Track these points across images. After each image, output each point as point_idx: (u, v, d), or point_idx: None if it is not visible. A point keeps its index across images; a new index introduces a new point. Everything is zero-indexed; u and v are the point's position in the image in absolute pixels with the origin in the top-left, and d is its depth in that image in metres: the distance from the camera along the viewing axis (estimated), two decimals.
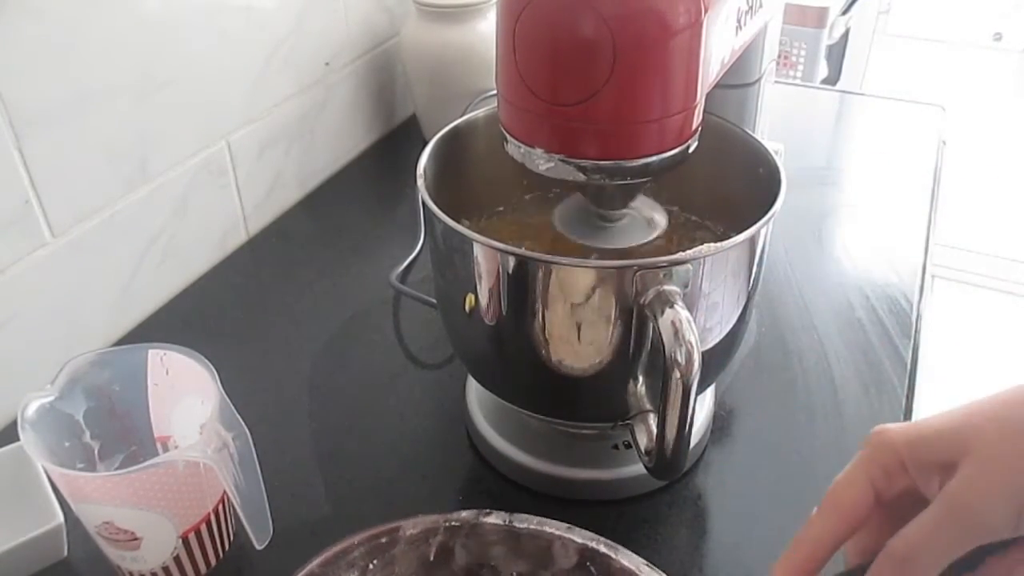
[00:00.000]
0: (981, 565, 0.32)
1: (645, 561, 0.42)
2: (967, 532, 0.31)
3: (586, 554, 0.43)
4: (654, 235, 0.50)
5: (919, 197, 0.85)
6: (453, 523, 0.45)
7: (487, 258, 0.46)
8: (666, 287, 0.42)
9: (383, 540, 0.44)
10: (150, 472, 0.41)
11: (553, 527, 0.44)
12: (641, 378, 0.48)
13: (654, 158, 0.44)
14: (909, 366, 0.64)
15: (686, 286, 0.43)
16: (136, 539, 0.44)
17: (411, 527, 0.45)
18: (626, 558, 0.43)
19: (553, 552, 0.44)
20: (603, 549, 0.43)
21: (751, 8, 0.53)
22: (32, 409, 0.44)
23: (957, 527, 0.31)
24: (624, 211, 0.50)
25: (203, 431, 0.44)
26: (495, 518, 0.45)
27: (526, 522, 0.45)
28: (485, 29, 0.84)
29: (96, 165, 0.62)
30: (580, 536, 0.44)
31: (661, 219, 0.51)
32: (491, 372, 0.54)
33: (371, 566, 0.44)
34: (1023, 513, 0.30)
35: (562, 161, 0.44)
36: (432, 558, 0.44)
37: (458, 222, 0.46)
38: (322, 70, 0.85)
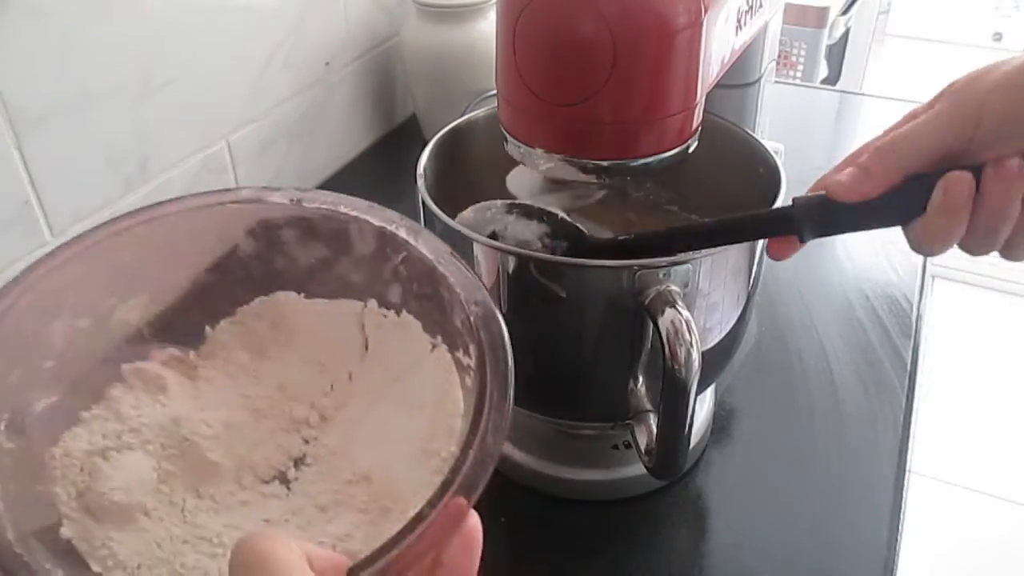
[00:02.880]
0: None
1: (450, 250, 0.37)
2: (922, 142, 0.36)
3: (384, 238, 0.38)
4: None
5: None
6: (229, 203, 0.39)
7: (487, 258, 0.46)
8: (666, 287, 0.42)
9: (138, 230, 0.37)
10: None
11: (349, 207, 0.38)
12: (641, 378, 0.48)
13: (654, 158, 0.44)
14: (909, 366, 0.64)
15: (686, 286, 0.43)
16: None
17: (175, 211, 0.38)
18: (427, 244, 0.37)
19: (350, 235, 0.38)
20: (402, 234, 0.37)
21: (751, 8, 0.53)
22: None
23: (923, 133, 0.36)
24: None
25: None
26: (280, 196, 0.39)
27: (316, 201, 0.39)
28: (485, 29, 0.84)
29: (96, 165, 0.62)
30: (379, 218, 0.38)
31: None
32: None
33: (126, 257, 0.37)
34: (975, 133, 0.35)
35: (562, 161, 0.44)
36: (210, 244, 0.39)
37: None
38: (322, 70, 0.85)
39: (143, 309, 0.38)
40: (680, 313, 0.41)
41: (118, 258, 0.37)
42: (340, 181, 0.90)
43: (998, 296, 2.10)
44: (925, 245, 0.39)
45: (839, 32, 1.60)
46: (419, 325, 0.38)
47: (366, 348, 0.40)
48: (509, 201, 0.46)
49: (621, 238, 0.46)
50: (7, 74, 0.54)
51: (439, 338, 0.37)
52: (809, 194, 0.40)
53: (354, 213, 0.38)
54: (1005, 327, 2.02)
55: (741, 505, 0.54)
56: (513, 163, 0.47)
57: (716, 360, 0.51)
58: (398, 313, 0.39)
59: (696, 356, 0.41)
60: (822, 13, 1.47)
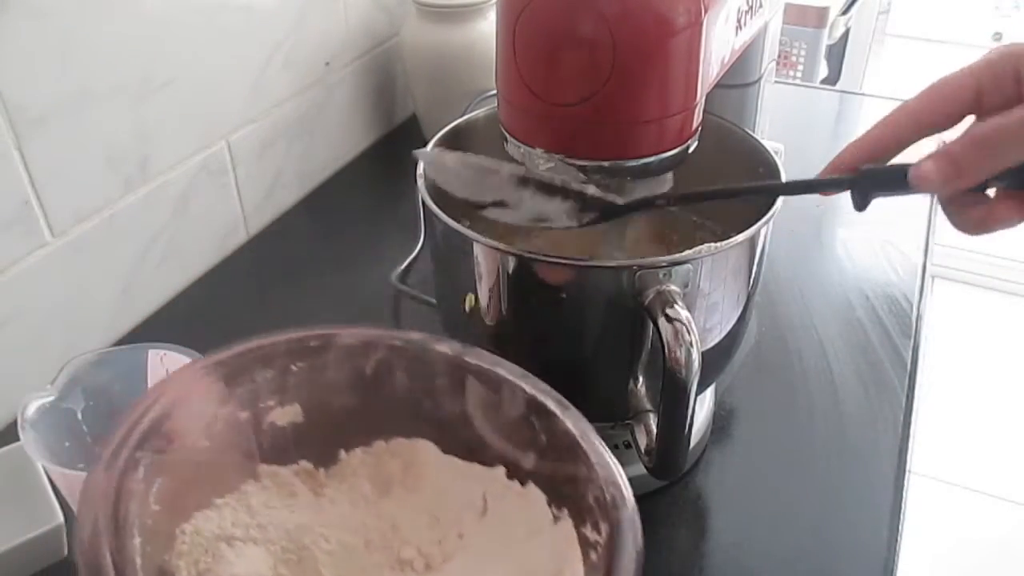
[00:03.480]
0: None
1: (592, 429, 0.38)
2: None
3: (532, 406, 0.39)
4: None
5: (919, 197, 0.85)
6: (397, 342, 0.41)
7: (487, 258, 0.46)
8: (666, 287, 0.42)
9: (312, 344, 0.40)
10: None
11: (506, 370, 0.40)
12: (641, 378, 0.48)
13: (654, 158, 0.44)
14: (909, 366, 0.64)
15: (686, 286, 0.43)
16: None
17: (348, 336, 0.40)
18: (572, 420, 0.38)
19: (501, 397, 0.40)
20: (551, 405, 0.38)
21: (751, 8, 0.53)
22: (32, 409, 0.44)
23: None
24: None
25: None
26: (446, 347, 0.40)
27: (478, 358, 0.40)
28: (485, 29, 0.84)
29: (96, 165, 0.62)
30: (532, 386, 0.39)
31: None
32: None
33: (294, 367, 0.40)
34: None
35: (562, 161, 0.44)
36: (368, 374, 0.40)
37: (458, 222, 0.46)
38: (322, 70, 0.85)
39: (293, 418, 0.41)
40: (680, 313, 0.41)
41: (287, 365, 0.40)
42: (340, 181, 0.90)
43: (998, 296, 2.10)
44: (976, 231, 0.36)
45: (839, 32, 1.60)
46: (543, 499, 0.39)
47: (484, 512, 0.40)
48: (520, 173, 0.41)
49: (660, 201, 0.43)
50: (7, 74, 0.54)
51: (564, 511, 0.37)
52: (880, 167, 0.37)
53: (509, 376, 0.39)
54: (1005, 327, 2.02)
55: (741, 505, 0.54)
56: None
57: (716, 360, 0.51)
58: (523, 483, 0.40)
59: (696, 356, 0.41)
60: (822, 13, 1.47)
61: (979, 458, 1.67)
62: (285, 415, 0.41)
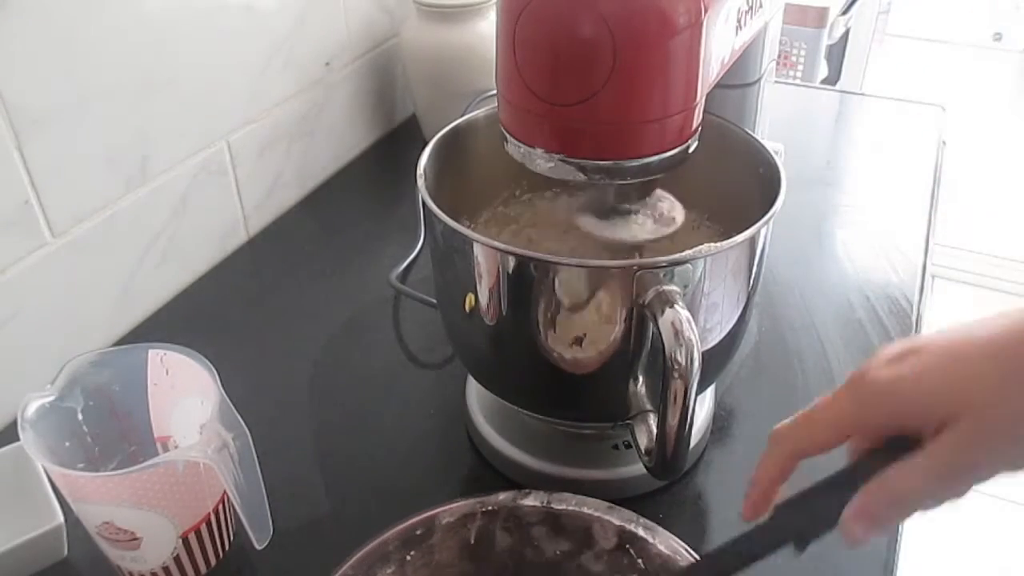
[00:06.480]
0: None
1: (684, 544, 0.41)
2: (962, 485, 0.33)
3: (625, 536, 0.43)
4: (667, 231, 0.50)
5: (919, 197, 0.85)
6: (490, 507, 0.44)
7: (487, 258, 0.46)
8: (666, 287, 0.42)
9: (418, 532, 0.44)
10: (150, 472, 0.41)
11: (592, 507, 0.44)
12: (641, 378, 0.48)
13: (654, 158, 0.44)
14: None
15: (686, 286, 0.43)
16: (136, 539, 0.44)
17: (447, 515, 0.44)
18: (664, 542, 0.42)
19: (593, 533, 0.44)
20: (641, 532, 0.43)
21: (751, 8, 0.53)
22: (32, 409, 0.44)
23: (952, 480, 0.33)
24: (640, 204, 0.50)
25: (203, 431, 0.44)
26: (533, 499, 0.44)
27: (564, 503, 0.44)
28: (485, 29, 0.84)
29: (96, 165, 0.62)
30: (618, 518, 0.43)
31: (679, 216, 0.51)
32: (491, 372, 0.54)
33: (409, 557, 0.43)
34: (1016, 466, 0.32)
35: (562, 161, 0.44)
36: (473, 542, 0.44)
37: (458, 222, 0.46)
38: (322, 70, 0.85)
39: None
40: (680, 313, 0.41)
41: (403, 557, 0.43)
42: (340, 181, 0.90)
43: (998, 296, 2.10)
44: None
45: (839, 32, 1.60)
46: None
47: None
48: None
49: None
50: (7, 74, 0.54)
51: None
52: (808, 517, 0.40)
53: (597, 514, 0.44)
54: None
55: (741, 505, 0.54)
56: (513, 163, 0.47)
57: (716, 360, 0.51)
58: None
59: (696, 356, 0.41)
60: (822, 13, 1.47)
61: None
62: None
